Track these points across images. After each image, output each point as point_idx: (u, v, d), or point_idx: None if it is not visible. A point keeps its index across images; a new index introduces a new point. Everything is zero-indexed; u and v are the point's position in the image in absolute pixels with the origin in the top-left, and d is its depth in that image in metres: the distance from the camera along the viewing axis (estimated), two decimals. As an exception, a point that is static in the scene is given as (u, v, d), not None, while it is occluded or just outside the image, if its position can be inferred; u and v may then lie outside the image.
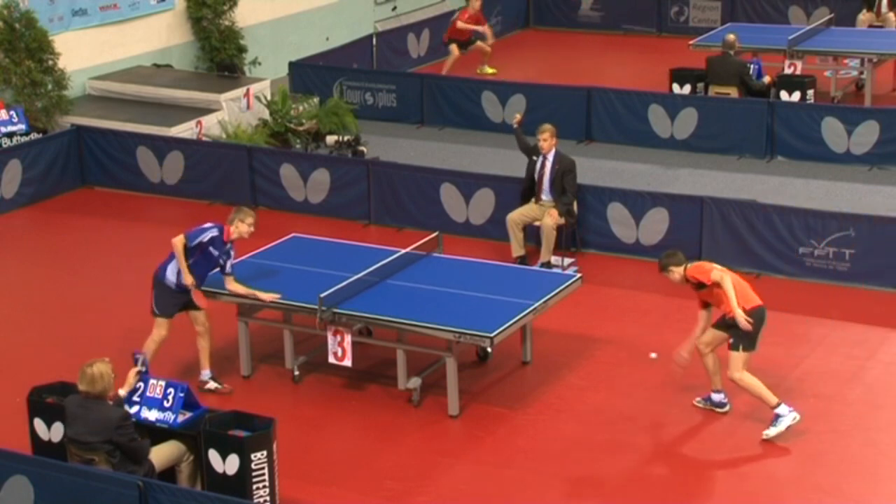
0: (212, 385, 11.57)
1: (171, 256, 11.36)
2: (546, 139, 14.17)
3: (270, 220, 15.93)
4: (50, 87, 17.91)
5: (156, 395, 9.71)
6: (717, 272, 10.75)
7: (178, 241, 11.26)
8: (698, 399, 11.28)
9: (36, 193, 16.77)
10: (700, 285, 10.86)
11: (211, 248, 11.29)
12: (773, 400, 10.70)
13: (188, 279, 11.27)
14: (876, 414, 11.16)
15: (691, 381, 11.53)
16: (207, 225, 11.39)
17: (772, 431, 10.69)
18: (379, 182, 15.81)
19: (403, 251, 12.26)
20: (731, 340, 10.77)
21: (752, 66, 18.92)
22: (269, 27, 22.24)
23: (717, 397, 11.19)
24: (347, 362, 11.35)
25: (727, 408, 11.17)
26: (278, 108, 18.35)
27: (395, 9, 25.12)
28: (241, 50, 20.90)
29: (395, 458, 10.63)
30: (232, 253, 11.47)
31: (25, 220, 16.38)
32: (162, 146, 16.98)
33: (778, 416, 10.69)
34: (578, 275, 12.26)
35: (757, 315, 10.71)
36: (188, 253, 11.26)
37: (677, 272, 10.91)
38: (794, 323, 12.87)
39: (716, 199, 14.38)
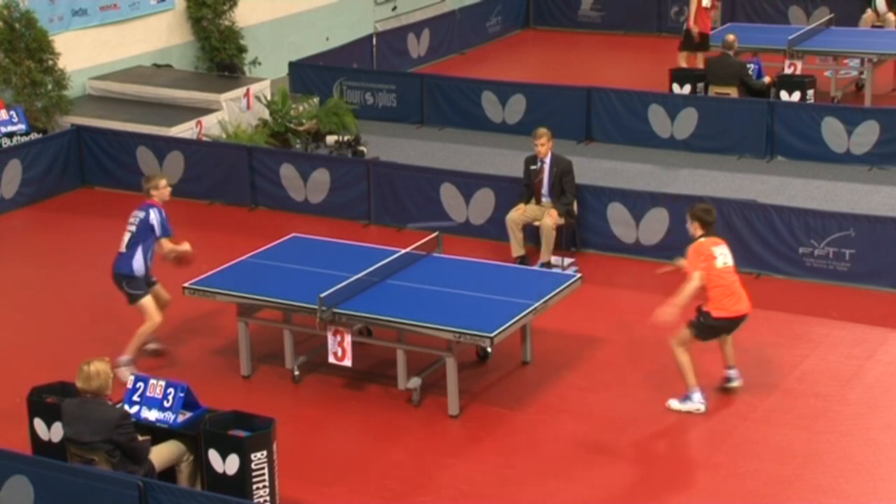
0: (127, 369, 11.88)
1: (132, 253, 11.79)
2: (543, 143, 14.14)
3: (270, 220, 15.96)
4: (50, 87, 17.92)
5: (156, 395, 9.71)
6: (699, 276, 10.93)
7: (167, 243, 11.85)
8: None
9: (36, 193, 16.79)
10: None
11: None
12: (693, 384, 11.10)
13: (188, 249, 11.95)
14: (876, 414, 11.16)
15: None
16: (160, 212, 11.80)
17: (675, 404, 11.17)
18: (379, 182, 15.81)
19: (403, 251, 12.27)
20: (692, 321, 11.13)
21: (752, 66, 18.94)
22: (269, 27, 22.25)
23: (728, 372, 11.53)
24: (347, 362, 11.35)
25: (735, 383, 11.49)
26: (278, 108, 18.36)
27: (395, 9, 25.13)
28: (241, 50, 20.90)
29: (395, 458, 10.63)
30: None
31: (25, 220, 16.39)
32: (162, 146, 16.98)
33: (689, 397, 11.13)
34: (578, 275, 12.26)
35: (722, 323, 11.11)
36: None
37: (694, 232, 11.23)
38: (794, 323, 12.88)
39: (716, 200, 14.37)
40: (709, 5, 20.24)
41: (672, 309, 10.90)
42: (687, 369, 11.07)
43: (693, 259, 11.05)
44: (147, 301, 11.84)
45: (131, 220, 11.92)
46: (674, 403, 11.16)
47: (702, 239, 11.14)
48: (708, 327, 11.07)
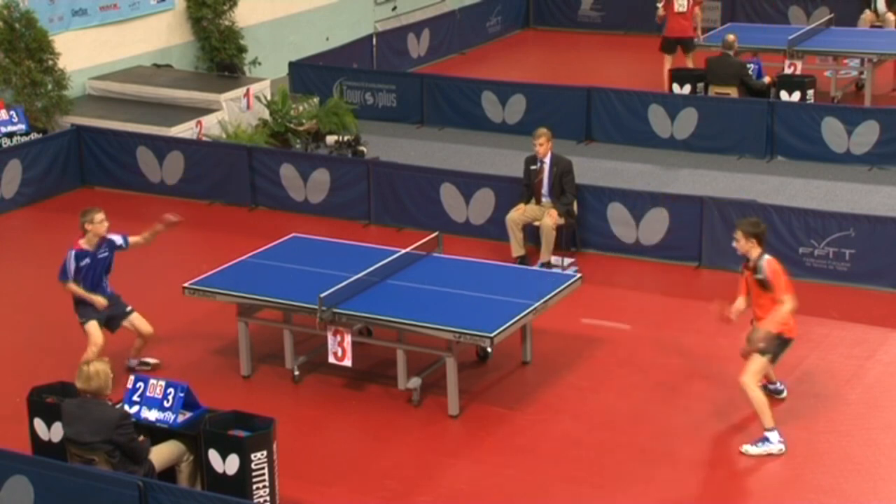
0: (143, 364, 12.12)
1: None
2: (542, 143, 14.15)
3: (270, 220, 15.96)
4: (50, 87, 17.92)
5: (156, 395, 9.71)
6: (790, 299, 10.38)
7: (72, 288, 11.69)
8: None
9: (36, 193, 16.79)
10: (764, 283, 10.46)
11: (85, 265, 11.68)
12: (770, 423, 10.49)
13: (100, 301, 11.67)
14: (876, 414, 11.16)
15: (691, 382, 11.55)
16: (68, 257, 11.71)
17: (752, 449, 10.47)
18: (379, 182, 15.81)
19: (403, 251, 12.27)
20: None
21: (752, 67, 18.94)
22: (269, 27, 22.25)
23: (773, 387, 11.24)
24: (347, 362, 11.35)
25: (784, 394, 11.27)
26: (278, 108, 18.36)
27: (395, 9, 25.13)
28: (241, 50, 20.90)
29: (395, 458, 10.63)
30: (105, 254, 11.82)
31: (25, 220, 16.38)
32: (162, 146, 16.99)
33: (766, 440, 10.48)
34: (578, 275, 12.26)
35: (791, 342, 10.67)
36: (79, 282, 11.72)
37: (751, 250, 10.52)
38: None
39: (716, 199, 14.38)
40: (685, 9, 20.24)
41: (738, 313, 10.59)
42: (764, 408, 10.42)
43: (779, 280, 10.35)
44: (91, 326, 11.66)
45: None
46: (750, 448, 10.45)
47: (769, 257, 10.49)
48: (780, 349, 10.59)
